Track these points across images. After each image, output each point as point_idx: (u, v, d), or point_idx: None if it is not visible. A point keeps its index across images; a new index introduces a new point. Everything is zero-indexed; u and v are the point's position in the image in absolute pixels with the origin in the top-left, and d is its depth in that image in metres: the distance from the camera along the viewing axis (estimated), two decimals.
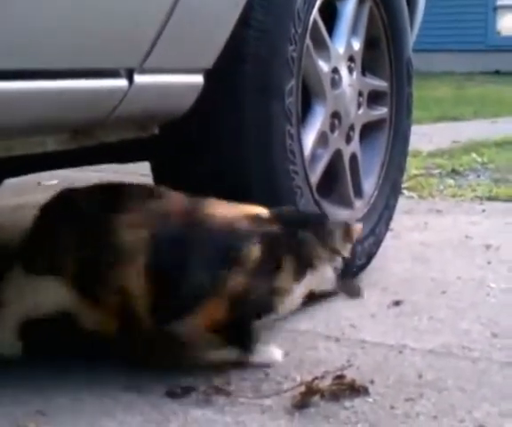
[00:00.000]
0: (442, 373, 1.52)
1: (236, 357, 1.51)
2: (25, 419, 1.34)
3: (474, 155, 4.53)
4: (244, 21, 1.60)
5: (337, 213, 1.98)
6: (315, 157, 1.92)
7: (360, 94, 2.10)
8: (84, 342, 1.50)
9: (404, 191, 3.36)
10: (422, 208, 3.16)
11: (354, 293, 1.87)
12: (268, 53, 1.68)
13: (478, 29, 14.61)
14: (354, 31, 2.06)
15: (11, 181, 2.56)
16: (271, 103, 1.69)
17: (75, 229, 1.45)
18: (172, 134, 1.64)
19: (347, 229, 1.59)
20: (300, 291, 1.53)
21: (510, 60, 13.64)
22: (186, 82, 1.53)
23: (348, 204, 2.06)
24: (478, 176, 3.96)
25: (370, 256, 2.13)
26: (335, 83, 1.96)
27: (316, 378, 1.44)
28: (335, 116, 1.97)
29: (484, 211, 3.09)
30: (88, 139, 1.44)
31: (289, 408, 1.38)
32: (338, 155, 2.01)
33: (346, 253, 1.58)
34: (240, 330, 1.50)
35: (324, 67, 1.91)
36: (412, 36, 2.46)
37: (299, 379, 1.48)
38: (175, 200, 1.48)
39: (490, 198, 3.35)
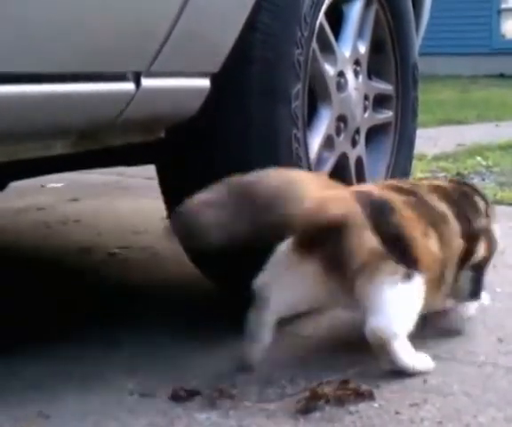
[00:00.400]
0: (447, 378, 1.52)
1: None
2: (27, 421, 1.34)
3: (478, 158, 4.52)
4: (250, 25, 1.60)
5: None
6: (320, 160, 1.91)
7: (366, 98, 2.10)
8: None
9: None
10: None
11: None
12: (275, 57, 1.67)
13: (482, 33, 14.61)
14: (360, 35, 2.06)
15: (14, 184, 2.57)
16: (277, 107, 1.69)
17: None
18: (178, 138, 1.64)
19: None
20: None
21: None
22: (192, 85, 1.53)
23: None
24: (483, 180, 3.95)
25: None
26: (341, 86, 1.96)
27: (321, 383, 1.44)
28: (341, 119, 1.97)
29: None
30: (95, 142, 1.44)
31: (293, 413, 1.38)
32: (343, 158, 2.00)
33: None
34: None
35: (330, 70, 1.91)
36: (417, 40, 2.46)
37: (303, 383, 1.48)
38: None
39: (495, 202, 3.33)
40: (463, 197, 1.74)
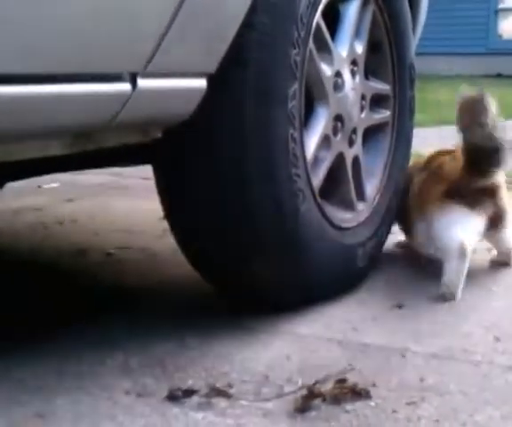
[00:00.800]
0: (444, 376, 1.52)
1: None
2: (23, 421, 1.34)
3: None
4: (247, 25, 1.60)
5: (339, 217, 1.98)
6: (317, 160, 1.91)
7: (363, 98, 2.10)
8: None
9: None
10: None
11: None
12: (271, 57, 1.67)
13: (480, 33, 14.61)
14: (357, 35, 2.06)
15: (11, 185, 2.57)
16: (274, 107, 1.69)
17: None
18: (175, 138, 1.64)
19: None
20: None
21: None
22: (189, 86, 1.52)
23: (350, 207, 2.06)
24: None
25: (372, 259, 2.13)
26: (338, 86, 1.96)
27: (318, 381, 1.44)
28: (338, 119, 1.97)
29: None
30: (91, 143, 1.44)
31: (290, 411, 1.38)
32: (340, 158, 2.01)
33: None
34: None
35: (326, 70, 1.91)
36: (414, 40, 2.46)
37: (300, 382, 1.48)
38: None
39: None
40: None
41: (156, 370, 1.55)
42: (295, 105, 1.75)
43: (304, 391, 1.42)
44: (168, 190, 1.78)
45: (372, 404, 1.41)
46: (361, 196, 2.11)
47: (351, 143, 2.05)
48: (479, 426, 1.33)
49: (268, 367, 1.56)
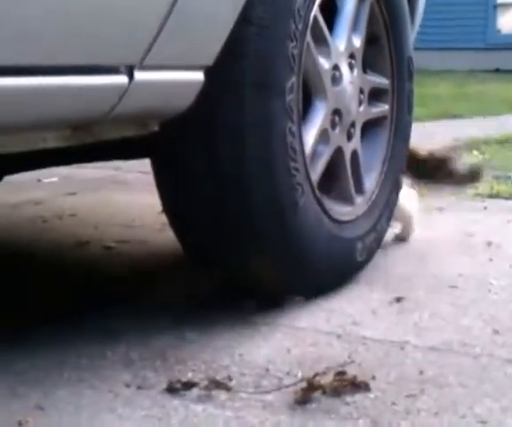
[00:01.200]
0: (443, 369, 1.52)
1: None
2: (23, 414, 1.34)
3: (475, 152, 4.52)
4: (244, 18, 1.60)
5: (338, 210, 1.98)
6: (316, 154, 1.91)
7: (361, 91, 2.10)
8: None
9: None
10: (423, 205, 3.15)
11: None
12: (269, 50, 1.67)
13: (478, 27, 14.59)
14: (354, 28, 2.06)
15: (10, 179, 2.57)
16: (272, 100, 1.69)
17: None
18: (172, 131, 1.64)
19: None
20: None
21: (510, 59, 13.63)
22: (186, 79, 1.52)
23: (349, 200, 2.06)
24: None
25: (371, 253, 2.13)
26: (336, 80, 1.96)
27: (318, 374, 1.44)
28: (336, 113, 1.96)
29: (485, 208, 3.08)
30: (88, 136, 1.44)
31: (290, 404, 1.38)
32: (339, 152, 2.00)
33: None
34: None
35: (324, 64, 1.91)
36: (412, 33, 2.45)
37: (300, 375, 1.48)
38: None
39: (491, 196, 3.34)
40: None
41: (156, 363, 1.55)
42: (293, 98, 1.74)
43: (304, 384, 1.42)
44: (166, 185, 1.78)
45: (372, 396, 1.41)
46: (359, 189, 2.11)
47: (349, 137, 2.05)
48: (479, 418, 1.33)
49: (268, 360, 1.56)
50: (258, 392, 1.42)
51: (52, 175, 3.47)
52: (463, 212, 3.02)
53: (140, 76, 1.38)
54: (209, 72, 1.55)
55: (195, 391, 1.42)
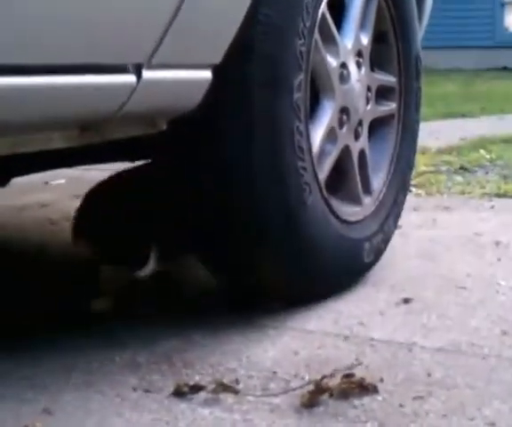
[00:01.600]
0: (451, 370, 1.51)
1: None
2: (31, 418, 1.33)
3: (482, 151, 4.51)
4: (252, 16, 1.59)
5: (345, 211, 1.97)
6: (323, 153, 1.90)
7: (368, 90, 2.09)
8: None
9: (412, 188, 3.34)
10: (430, 205, 3.14)
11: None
12: (277, 48, 1.66)
13: (486, 26, 14.58)
14: (362, 26, 2.05)
15: (18, 181, 2.56)
16: (279, 98, 1.68)
17: None
18: (179, 131, 1.63)
19: None
20: None
21: None
22: (194, 77, 1.52)
23: (356, 200, 2.05)
24: (487, 173, 3.94)
25: (378, 253, 2.11)
26: (344, 78, 1.95)
27: (325, 376, 1.43)
28: (344, 111, 1.95)
29: (492, 207, 3.07)
30: (96, 135, 1.44)
31: (297, 407, 1.37)
32: (346, 151, 1.99)
33: None
34: None
35: (332, 62, 1.90)
36: (420, 32, 2.44)
37: (307, 377, 1.47)
38: None
39: (499, 195, 3.33)
40: None
41: (163, 366, 1.54)
42: (301, 97, 1.73)
43: (311, 387, 1.41)
44: (172, 184, 1.77)
45: (380, 398, 1.40)
46: (367, 189, 2.10)
47: (357, 136, 2.03)
48: (487, 420, 1.32)
49: (276, 363, 1.55)
50: (265, 395, 1.41)
51: (60, 177, 3.47)
52: (470, 211, 3.01)
53: (148, 74, 1.38)
54: (217, 70, 1.54)
55: (202, 395, 1.41)
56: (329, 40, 1.88)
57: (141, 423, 1.32)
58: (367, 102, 2.08)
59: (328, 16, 1.86)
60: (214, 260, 1.84)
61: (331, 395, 1.39)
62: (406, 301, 1.91)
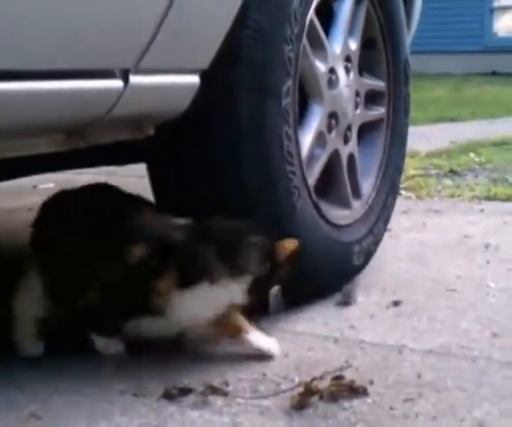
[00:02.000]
0: (441, 373, 1.51)
1: None
2: (19, 423, 1.33)
3: (472, 155, 4.53)
4: (240, 22, 1.59)
5: (335, 214, 1.98)
6: (312, 157, 1.91)
7: (357, 94, 2.10)
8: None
9: (402, 192, 3.35)
10: (420, 208, 3.15)
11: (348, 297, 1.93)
12: (265, 54, 1.67)
13: (475, 31, 14.62)
14: (350, 31, 2.06)
15: (6, 185, 2.55)
16: (268, 104, 1.68)
17: None
18: (168, 136, 1.63)
19: (268, 247, 1.56)
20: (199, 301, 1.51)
21: (507, 61, 13.66)
22: (182, 82, 1.52)
23: (345, 204, 2.06)
24: (476, 176, 3.96)
25: (368, 256, 2.12)
26: (332, 83, 1.96)
27: (315, 379, 1.43)
28: (332, 116, 1.96)
29: (482, 211, 3.08)
30: (83, 140, 1.43)
31: (287, 409, 1.37)
32: (335, 155, 2.00)
33: (262, 271, 1.55)
34: None
35: (320, 67, 1.90)
36: (408, 37, 2.45)
37: (297, 380, 1.48)
38: None
39: (488, 198, 3.34)
40: None
41: (151, 369, 1.54)
42: (289, 102, 1.74)
43: (301, 389, 1.41)
44: (161, 189, 1.78)
45: (370, 401, 1.40)
46: (356, 193, 2.11)
47: (346, 140, 2.04)
48: (477, 422, 1.32)
49: (265, 365, 1.55)
50: (255, 398, 1.41)
51: (49, 181, 3.46)
52: (460, 214, 3.02)
53: (135, 79, 1.38)
54: (205, 76, 1.54)
55: (191, 398, 1.41)
56: (317, 45, 1.89)
57: None
58: (356, 107, 2.09)
59: (316, 22, 1.87)
60: None
61: (320, 397, 1.39)
62: (396, 303, 1.91)
